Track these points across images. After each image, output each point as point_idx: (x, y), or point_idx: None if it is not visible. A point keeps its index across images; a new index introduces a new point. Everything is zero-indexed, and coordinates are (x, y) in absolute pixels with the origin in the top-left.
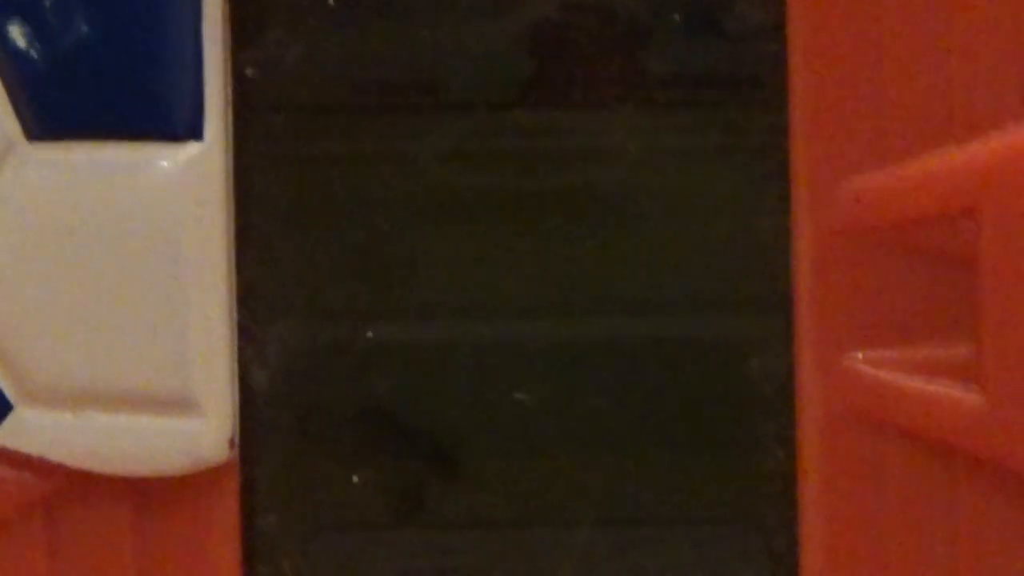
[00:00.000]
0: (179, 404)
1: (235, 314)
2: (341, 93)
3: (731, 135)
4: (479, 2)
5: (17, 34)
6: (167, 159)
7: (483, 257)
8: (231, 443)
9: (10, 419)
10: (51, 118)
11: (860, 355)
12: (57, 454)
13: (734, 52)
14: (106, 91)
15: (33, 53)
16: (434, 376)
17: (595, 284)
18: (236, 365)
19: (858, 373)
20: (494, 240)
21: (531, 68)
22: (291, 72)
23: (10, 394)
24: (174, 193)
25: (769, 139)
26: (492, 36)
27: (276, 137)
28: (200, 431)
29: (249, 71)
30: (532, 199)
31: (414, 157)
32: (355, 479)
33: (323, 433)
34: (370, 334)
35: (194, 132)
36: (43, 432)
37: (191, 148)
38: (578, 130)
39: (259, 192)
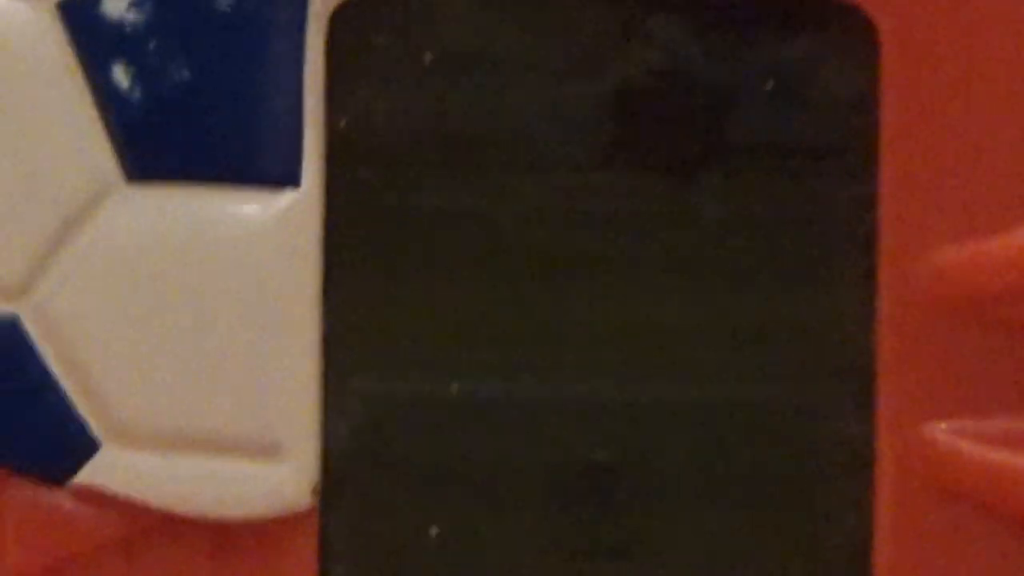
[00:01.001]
0: (264, 449)
1: (322, 362)
2: (428, 148)
3: (815, 205)
4: (567, 64)
5: (120, 75)
6: (263, 205)
7: (564, 317)
8: (314, 490)
9: (96, 458)
10: (151, 160)
11: (941, 426)
12: (141, 495)
13: (820, 122)
14: (205, 135)
15: (135, 95)
16: (513, 433)
17: (676, 348)
18: (322, 413)
19: (937, 443)
20: (575, 301)
21: (616, 131)
22: (382, 125)
23: (98, 432)
24: (268, 239)
25: (853, 210)
26: (579, 98)
27: (364, 189)
28: (284, 477)
29: (342, 123)
30: (613, 261)
31: (498, 214)
32: (433, 532)
33: (402, 486)
34: (454, 388)
35: (291, 180)
36: (128, 472)
37: (288, 195)
38: (660, 195)
39: (346, 242)
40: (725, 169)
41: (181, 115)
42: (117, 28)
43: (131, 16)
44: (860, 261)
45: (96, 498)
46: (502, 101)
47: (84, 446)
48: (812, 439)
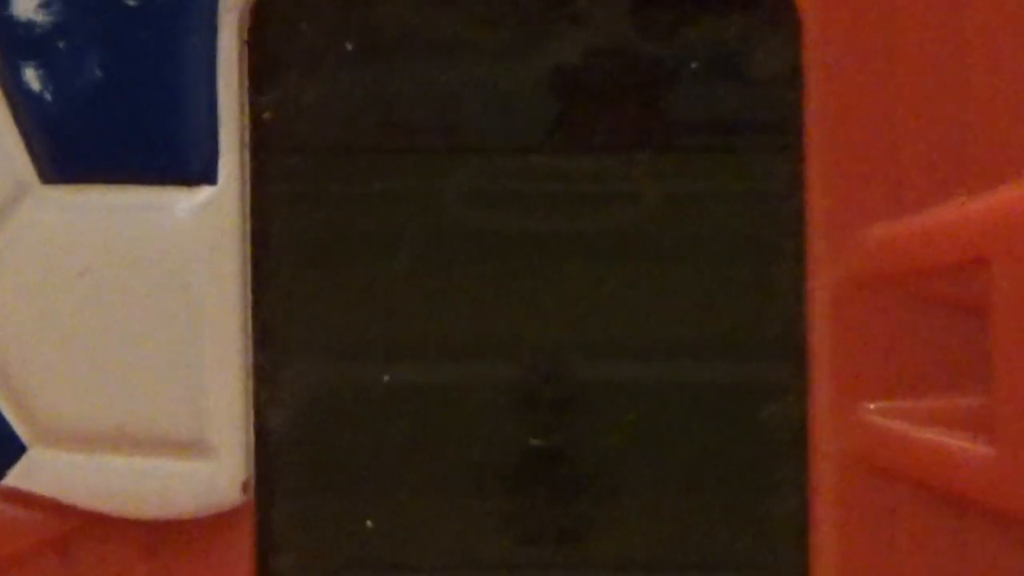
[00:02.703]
0: (193, 447)
1: (251, 356)
2: (359, 135)
3: (749, 181)
4: (501, 45)
5: (32, 77)
6: (181, 202)
7: (500, 300)
8: (244, 486)
9: (24, 460)
10: (65, 161)
11: (872, 405)
12: (70, 496)
13: (753, 99)
14: (120, 134)
15: (48, 96)
16: (450, 419)
17: (612, 328)
18: (251, 408)
19: (871, 423)
20: (512, 283)
21: (553, 112)
22: (309, 114)
23: (24, 435)
24: (188, 236)
25: (786, 186)
26: (514, 79)
27: (294, 179)
28: (214, 474)
29: (267, 114)
30: (551, 242)
31: (434, 200)
32: (369, 523)
33: (338, 476)
34: (387, 377)
35: (208, 176)
36: (57, 473)
37: (205, 192)
38: (598, 174)
39: (277, 233)
40: (660, 147)
41: (94, 115)
42: (27, 29)
43: (40, 17)
44: (793, 238)
45: (25, 500)
46: (432, 84)
47: (11, 449)
48: (748, 418)
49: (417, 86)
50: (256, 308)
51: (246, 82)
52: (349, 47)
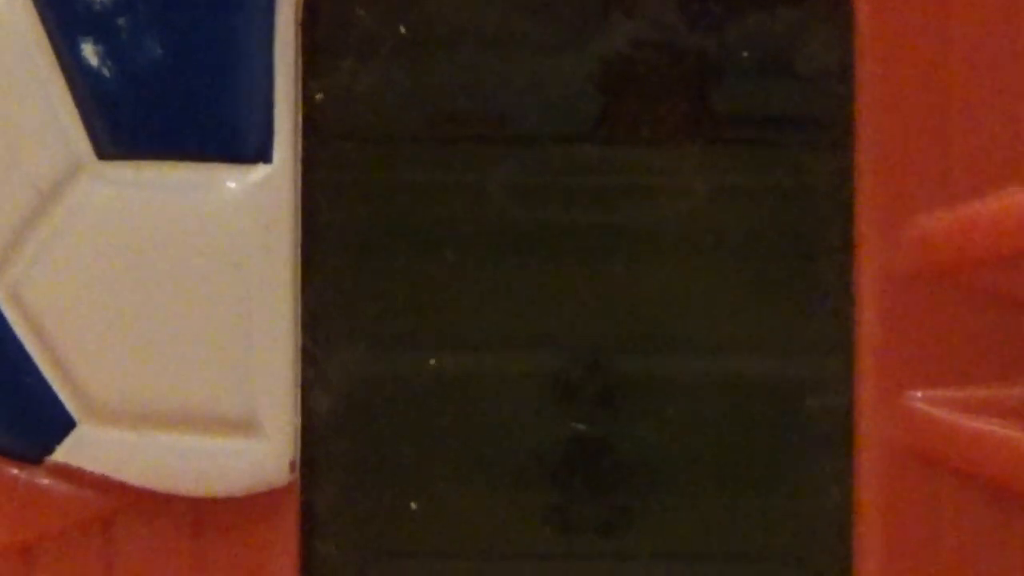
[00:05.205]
0: (241, 425)
1: (299, 337)
2: (410, 122)
3: (796, 175)
4: (551, 36)
5: (90, 53)
6: (235, 180)
7: (546, 291)
8: (292, 465)
9: (73, 436)
10: (122, 137)
11: (919, 394)
12: (118, 472)
13: (801, 92)
14: (176, 111)
15: (106, 72)
16: (493, 408)
17: (657, 320)
18: (299, 388)
19: (917, 412)
20: (558, 274)
21: (600, 103)
22: (360, 100)
23: (73, 411)
24: (242, 214)
25: (834, 179)
26: (563, 70)
27: (344, 164)
28: (261, 452)
29: (319, 97)
30: (597, 234)
31: (481, 189)
32: (413, 506)
33: (383, 459)
34: (432, 362)
35: (263, 155)
36: (105, 450)
37: (260, 170)
38: (645, 166)
39: (325, 218)
40: (708, 140)
41: (151, 91)
42: (86, 5)
43: None
44: (841, 231)
45: (74, 476)
46: (484, 74)
47: (60, 425)
48: (793, 410)
49: (464, 76)
50: (303, 293)
51: (300, 64)
52: (402, 31)
